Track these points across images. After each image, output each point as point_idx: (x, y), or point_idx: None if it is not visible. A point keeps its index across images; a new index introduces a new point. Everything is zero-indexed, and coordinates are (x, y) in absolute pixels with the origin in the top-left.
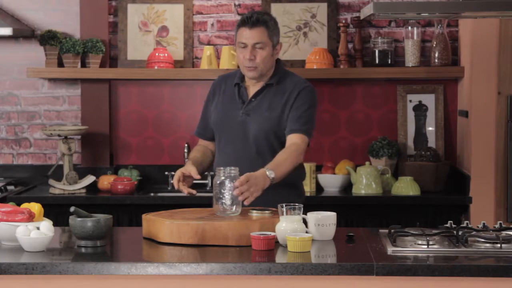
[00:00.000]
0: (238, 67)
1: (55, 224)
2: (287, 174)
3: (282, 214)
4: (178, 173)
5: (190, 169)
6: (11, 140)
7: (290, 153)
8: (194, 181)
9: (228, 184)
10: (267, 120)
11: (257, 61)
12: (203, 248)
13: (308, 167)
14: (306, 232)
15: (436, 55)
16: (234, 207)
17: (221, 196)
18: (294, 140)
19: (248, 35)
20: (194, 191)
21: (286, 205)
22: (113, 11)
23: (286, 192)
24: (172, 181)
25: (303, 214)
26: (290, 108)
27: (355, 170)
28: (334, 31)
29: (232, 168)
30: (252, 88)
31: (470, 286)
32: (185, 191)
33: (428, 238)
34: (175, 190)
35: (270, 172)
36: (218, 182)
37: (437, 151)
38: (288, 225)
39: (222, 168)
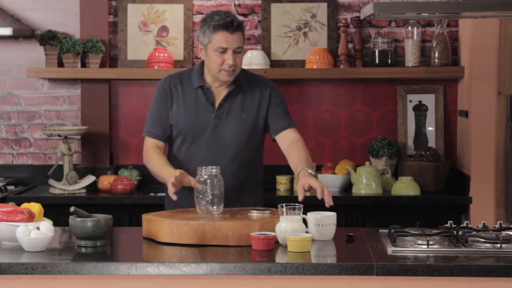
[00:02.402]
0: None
1: (55, 224)
2: None
3: (282, 214)
4: (177, 186)
5: (189, 180)
6: (11, 140)
7: (304, 147)
8: None
9: (209, 183)
10: (244, 122)
11: (238, 64)
12: (203, 248)
13: None
14: (306, 232)
15: (436, 55)
16: (215, 206)
17: (203, 196)
18: (293, 134)
19: (230, 40)
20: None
21: (286, 205)
22: (113, 11)
23: (254, 191)
24: (170, 191)
25: (303, 214)
26: (267, 107)
27: (355, 170)
28: (334, 31)
29: (214, 167)
30: (219, 90)
31: (470, 286)
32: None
33: (428, 238)
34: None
35: (311, 170)
36: (200, 181)
37: (437, 151)
38: (288, 225)
39: (203, 167)
